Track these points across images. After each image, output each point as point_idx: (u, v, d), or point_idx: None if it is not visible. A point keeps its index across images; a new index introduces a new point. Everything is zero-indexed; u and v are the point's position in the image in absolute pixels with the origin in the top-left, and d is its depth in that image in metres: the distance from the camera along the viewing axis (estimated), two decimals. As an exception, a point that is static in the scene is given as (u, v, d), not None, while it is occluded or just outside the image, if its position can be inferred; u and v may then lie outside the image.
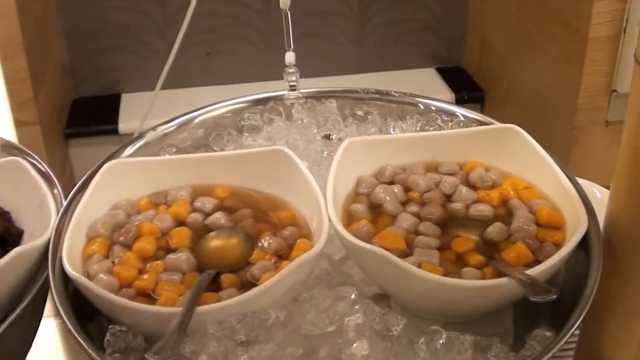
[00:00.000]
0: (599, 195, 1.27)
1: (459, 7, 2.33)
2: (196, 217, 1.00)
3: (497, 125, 1.12)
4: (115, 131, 2.13)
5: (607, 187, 1.26)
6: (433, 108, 1.21)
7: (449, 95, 2.23)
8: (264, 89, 2.22)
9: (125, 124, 2.14)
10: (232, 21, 2.24)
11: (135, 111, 2.17)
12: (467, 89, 2.27)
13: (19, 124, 1.85)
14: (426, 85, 2.31)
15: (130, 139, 1.88)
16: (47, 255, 0.93)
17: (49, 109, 1.98)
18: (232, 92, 2.27)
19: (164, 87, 1.91)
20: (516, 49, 2.03)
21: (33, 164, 1.10)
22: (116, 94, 2.29)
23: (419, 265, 0.88)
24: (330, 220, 0.91)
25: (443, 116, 1.19)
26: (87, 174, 1.06)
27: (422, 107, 1.21)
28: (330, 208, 0.93)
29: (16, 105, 1.84)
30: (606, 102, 1.66)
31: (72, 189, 1.03)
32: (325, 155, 1.13)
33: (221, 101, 1.23)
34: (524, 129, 1.05)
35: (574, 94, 1.68)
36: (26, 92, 1.82)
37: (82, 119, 2.20)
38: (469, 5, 2.32)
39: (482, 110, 2.28)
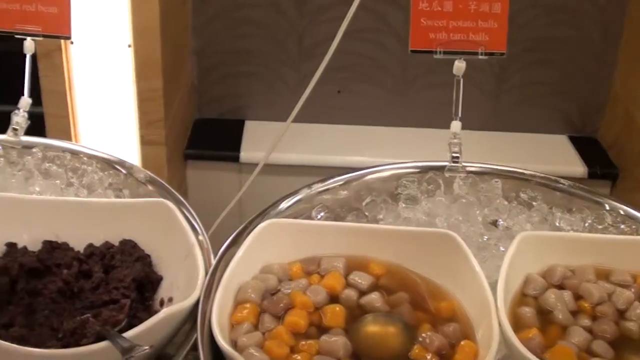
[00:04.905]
0: None
1: (603, 76, 2.22)
2: (350, 294, 0.94)
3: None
4: (236, 158, 2.09)
5: None
6: (622, 212, 1.11)
7: (581, 167, 2.13)
8: (396, 136, 2.18)
9: (247, 153, 2.09)
10: (366, 61, 2.18)
11: (259, 140, 2.13)
12: (600, 163, 2.16)
13: (145, 142, 1.82)
14: (557, 153, 2.21)
15: (252, 169, 1.87)
16: (193, 314, 0.88)
17: (175, 130, 1.95)
18: (359, 133, 2.23)
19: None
20: (663, 131, 1.92)
21: (180, 209, 1.06)
22: (239, 119, 2.25)
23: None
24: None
25: (613, 214, 1.10)
26: (237, 230, 1.01)
27: (608, 207, 1.12)
28: (502, 312, 0.85)
29: (145, 124, 1.80)
30: None
31: (223, 244, 0.98)
32: (485, 240, 1.05)
33: (380, 165, 1.17)
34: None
35: None
36: (157, 111, 1.79)
37: (203, 140, 2.16)
38: (615, 75, 2.22)
39: (612, 189, 2.17)
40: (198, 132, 2.21)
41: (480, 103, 2.25)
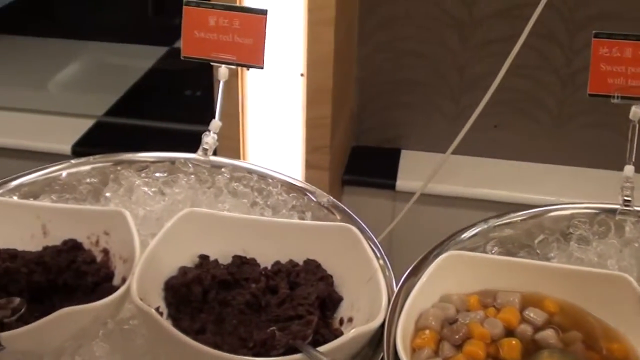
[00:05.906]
0: None
1: None
2: (526, 329, 0.98)
3: None
4: (392, 186, 2.16)
5: None
6: None
7: None
8: (551, 174, 2.19)
9: (403, 182, 2.15)
10: (524, 97, 2.21)
11: (414, 170, 2.19)
12: None
13: (309, 167, 1.90)
14: None
15: (409, 198, 1.92)
16: (374, 336, 0.94)
17: (337, 156, 2.03)
18: (514, 168, 2.25)
19: (445, 150, 1.90)
20: None
21: (363, 234, 1.12)
22: (396, 148, 2.32)
23: None
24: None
25: None
26: (418, 259, 1.07)
27: None
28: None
29: (311, 149, 1.88)
30: None
31: (404, 273, 1.05)
32: (656, 285, 1.07)
33: (558, 204, 1.21)
34: None
35: None
36: (324, 138, 1.87)
37: (360, 167, 2.24)
38: None
39: None
40: (356, 158, 2.28)
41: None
